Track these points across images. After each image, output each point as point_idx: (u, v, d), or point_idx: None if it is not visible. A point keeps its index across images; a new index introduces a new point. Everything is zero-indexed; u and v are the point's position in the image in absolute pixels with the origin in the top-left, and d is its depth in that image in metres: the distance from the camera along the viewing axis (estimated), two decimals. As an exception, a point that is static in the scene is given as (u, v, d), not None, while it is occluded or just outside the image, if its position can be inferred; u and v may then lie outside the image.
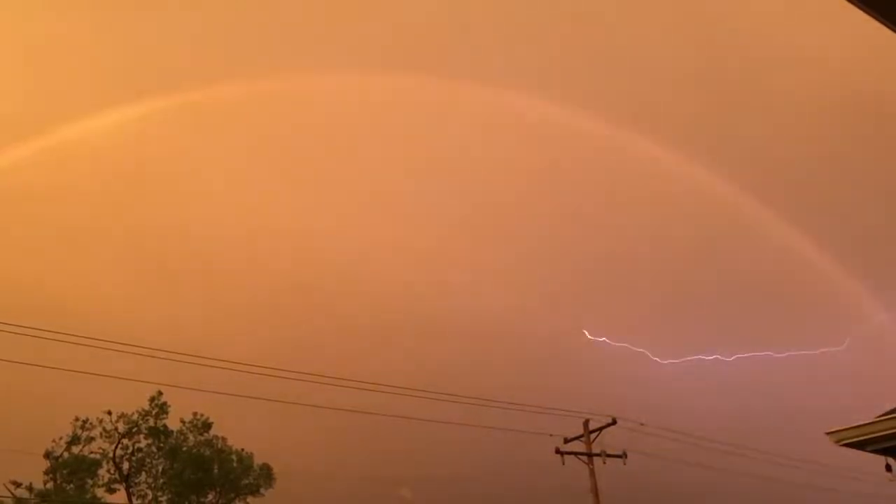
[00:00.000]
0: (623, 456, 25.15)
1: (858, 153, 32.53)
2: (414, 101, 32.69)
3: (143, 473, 29.72)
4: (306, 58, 32.01)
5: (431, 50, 31.51)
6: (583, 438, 25.36)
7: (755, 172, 33.32)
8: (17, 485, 27.28)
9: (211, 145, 34.95)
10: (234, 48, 31.66)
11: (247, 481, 31.04)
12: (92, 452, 28.72)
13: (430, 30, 31.62)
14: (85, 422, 28.59)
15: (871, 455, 11.75)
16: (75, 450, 28.45)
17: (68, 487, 28.32)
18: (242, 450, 31.31)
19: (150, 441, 29.53)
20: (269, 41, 31.93)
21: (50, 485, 27.92)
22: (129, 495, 28.97)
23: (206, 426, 30.68)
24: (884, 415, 11.11)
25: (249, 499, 31.14)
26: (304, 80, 30.90)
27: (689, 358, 38.67)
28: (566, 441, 25.31)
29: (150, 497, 29.56)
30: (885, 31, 4.09)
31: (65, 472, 28.20)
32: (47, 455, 27.96)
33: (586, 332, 33.24)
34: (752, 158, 33.61)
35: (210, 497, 30.62)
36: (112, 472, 28.96)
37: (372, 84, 31.09)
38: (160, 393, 28.83)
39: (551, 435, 24.96)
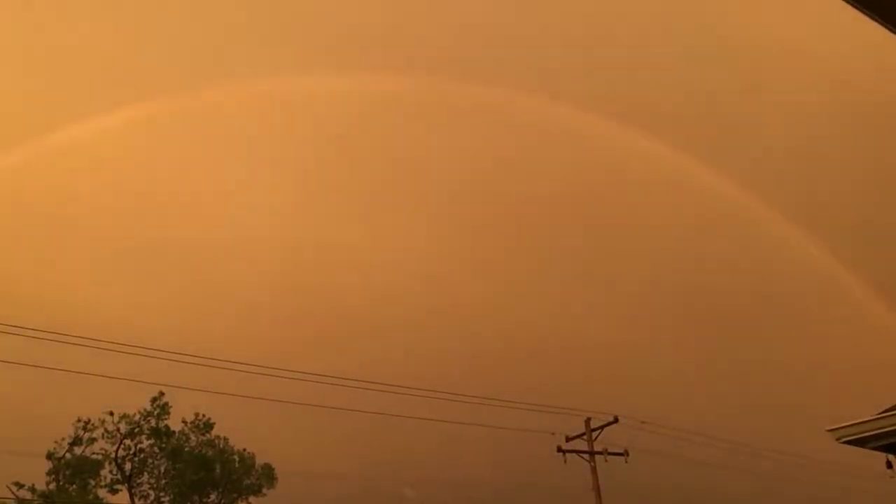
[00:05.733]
0: (625, 454, 25.18)
1: (858, 150, 32.55)
2: (412, 102, 32.71)
3: (146, 474, 29.75)
4: (304, 60, 32.05)
5: (432, 50, 31.52)
6: (585, 437, 25.40)
7: (756, 171, 33.35)
8: (20, 486, 27.31)
9: (211, 147, 35.02)
10: (233, 51, 31.70)
11: (249, 481, 31.09)
12: (94, 453, 28.76)
13: (431, 30, 31.64)
14: (87, 423, 28.61)
15: (872, 452, 11.78)
16: (77, 451, 28.48)
17: (71, 488, 28.35)
18: (244, 450, 31.37)
19: (152, 441, 29.55)
20: (267, 44, 31.96)
21: (52, 486, 27.95)
22: (132, 496, 29.01)
23: (208, 426, 30.73)
24: (884, 412, 11.13)
25: (252, 499, 31.20)
26: (302, 83, 30.92)
27: (688, 355, 38.74)
28: (568, 439, 25.35)
29: (152, 497, 29.61)
30: (881, 30, 4.10)
31: (67, 472, 28.23)
32: (49, 456, 27.99)
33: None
34: (751, 156, 33.64)
35: (212, 497, 30.68)
36: (114, 472, 28.99)
37: (371, 86, 31.10)
38: (162, 393, 28.89)
39: (553, 433, 25.03)
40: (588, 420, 25.55)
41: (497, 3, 31.35)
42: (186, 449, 30.09)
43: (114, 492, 28.95)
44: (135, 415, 28.98)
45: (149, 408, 29.10)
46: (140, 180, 35.16)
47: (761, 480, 31.77)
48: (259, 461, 31.42)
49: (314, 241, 37.48)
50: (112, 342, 19.19)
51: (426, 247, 38.14)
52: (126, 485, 28.91)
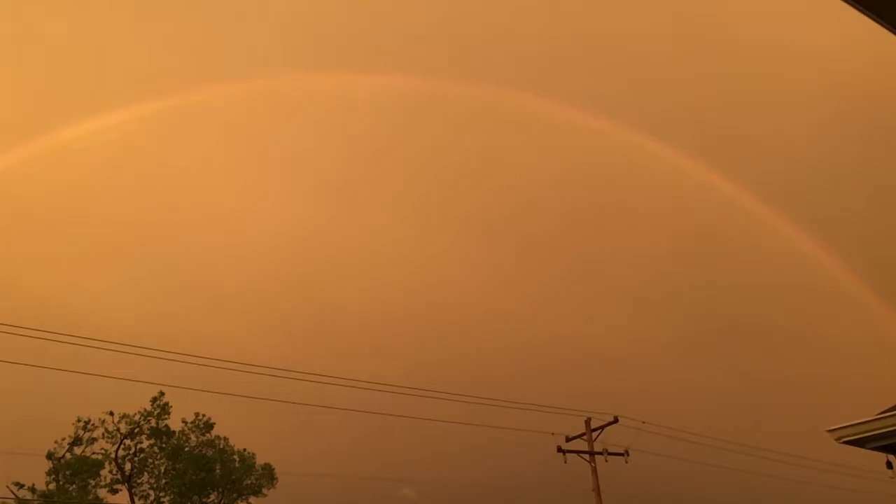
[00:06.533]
0: (625, 454, 25.17)
1: (866, 157, 32.56)
2: (414, 102, 32.69)
3: (146, 474, 29.76)
4: (305, 58, 32.02)
5: (434, 51, 31.51)
6: (585, 437, 25.39)
7: (756, 171, 33.34)
8: (20, 486, 27.32)
9: (209, 145, 35.02)
10: (232, 49, 31.67)
11: (249, 481, 31.05)
12: (94, 453, 28.79)
13: (434, 31, 31.62)
14: (87, 422, 28.63)
15: (872, 452, 11.77)
16: (77, 451, 28.50)
17: (71, 488, 28.35)
18: (244, 450, 31.34)
19: (152, 441, 29.55)
20: (268, 42, 31.94)
21: (52, 486, 27.95)
22: (132, 496, 29.00)
23: (208, 426, 30.71)
24: (884, 412, 11.12)
25: (252, 499, 31.17)
26: (302, 80, 30.88)
27: (688, 356, 38.72)
28: (568, 439, 25.34)
29: (152, 497, 29.59)
30: (882, 30, 4.11)
31: (67, 473, 28.24)
32: (50, 456, 28.00)
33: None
34: (752, 157, 33.63)
35: (212, 497, 30.64)
36: (114, 472, 29.00)
37: (373, 85, 31.08)
38: (162, 393, 28.89)
39: (553, 433, 25.01)
40: (588, 420, 25.54)
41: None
42: (186, 449, 30.07)
43: (114, 492, 28.96)
44: (135, 415, 28.99)
45: (149, 408, 29.11)
46: (146, 181, 35.17)
47: (761, 481, 31.74)
48: (259, 461, 31.41)
49: (318, 240, 37.47)
50: (112, 342, 19.16)
51: (431, 250, 38.16)
52: (126, 485, 28.90)
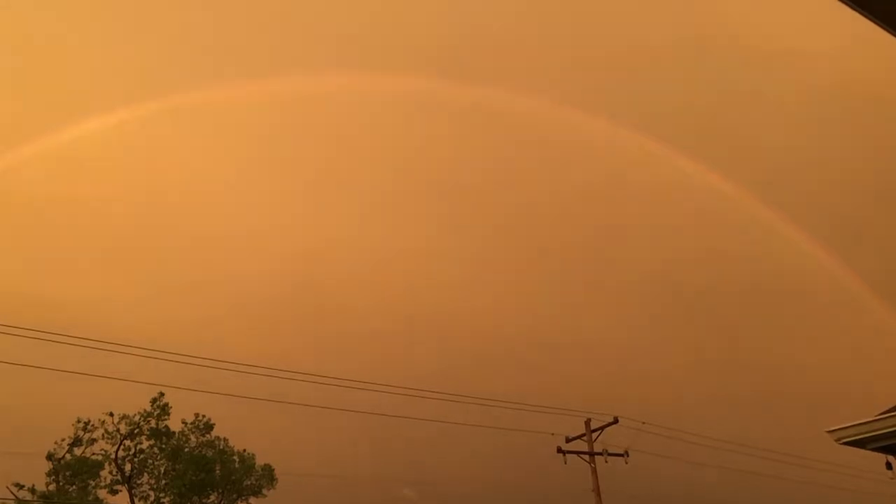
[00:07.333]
0: (625, 455, 25.17)
1: (859, 150, 32.55)
2: (416, 103, 32.69)
3: (146, 475, 29.75)
4: (307, 59, 32.02)
5: (434, 51, 31.50)
6: (585, 437, 25.40)
7: (756, 171, 33.33)
8: (20, 486, 27.32)
9: (212, 147, 35.01)
10: (233, 50, 31.67)
11: (249, 482, 31.06)
12: (94, 454, 28.78)
13: (435, 30, 31.63)
14: (87, 423, 28.62)
15: (872, 453, 11.77)
16: (77, 451, 28.50)
17: (70, 489, 28.35)
18: (244, 450, 31.35)
19: (151, 442, 29.55)
20: (268, 42, 31.94)
21: (52, 487, 27.95)
22: (132, 497, 29.00)
23: (208, 427, 30.72)
24: (883, 413, 11.11)
25: (252, 499, 31.18)
26: (305, 81, 30.89)
27: (689, 356, 38.71)
28: (568, 440, 25.35)
29: (152, 498, 29.58)
30: (881, 30, 4.11)
31: (67, 473, 28.23)
32: (49, 457, 27.99)
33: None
34: (752, 157, 33.63)
35: (212, 498, 30.64)
36: (114, 473, 28.99)
37: (373, 85, 31.08)
38: (162, 394, 28.89)
39: (553, 434, 25.02)
40: (588, 421, 25.55)
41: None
42: (186, 449, 30.07)
43: (114, 493, 28.95)
44: (135, 415, 28.99)
45: (149, 408, 29.11)
46: (146, 181, 35.17)
47: (761, 481, 31.75)
48: (259, 461, 31.41)
49: (319, 241, 37.48)
50: (112, 342, 19.18)
51: (429, 247, 38.16)
52: (126, 485, 28.90)
